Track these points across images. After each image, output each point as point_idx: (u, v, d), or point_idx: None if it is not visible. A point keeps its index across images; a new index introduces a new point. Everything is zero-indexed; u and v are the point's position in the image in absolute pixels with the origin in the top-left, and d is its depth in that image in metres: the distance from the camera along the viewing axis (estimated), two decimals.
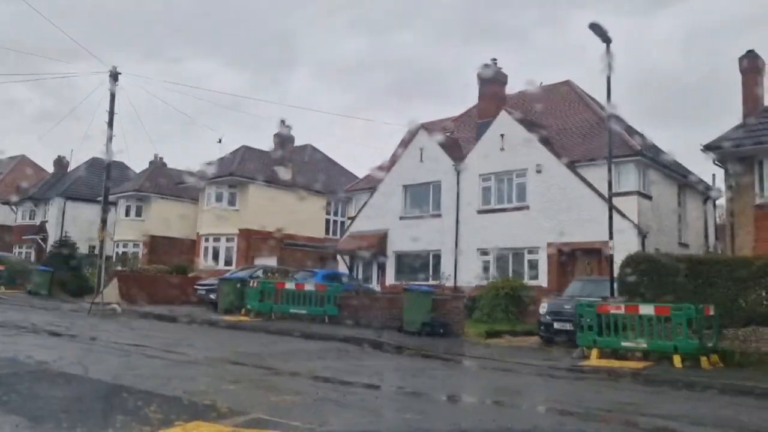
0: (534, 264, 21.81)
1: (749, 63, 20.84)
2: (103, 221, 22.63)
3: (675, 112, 70.49)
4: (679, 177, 23.39)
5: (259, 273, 23.40)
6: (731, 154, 17.24)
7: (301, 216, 32.67)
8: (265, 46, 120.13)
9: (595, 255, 19.67)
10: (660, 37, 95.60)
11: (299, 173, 34.08)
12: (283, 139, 33.33)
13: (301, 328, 14.85)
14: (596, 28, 13.18)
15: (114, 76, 24.63)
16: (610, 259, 13.45)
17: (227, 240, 31.68)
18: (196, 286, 24.07)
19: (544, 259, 21.36)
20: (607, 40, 13.19)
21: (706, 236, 25.10)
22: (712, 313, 11.10)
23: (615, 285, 13.01)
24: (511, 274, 21.90)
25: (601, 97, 18.93)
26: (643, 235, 19.37)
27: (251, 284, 18.33)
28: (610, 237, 13.49)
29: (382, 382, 8.26)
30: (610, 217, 13.72)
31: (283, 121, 33.41)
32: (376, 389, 7.85)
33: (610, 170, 14.38)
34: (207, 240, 32.25)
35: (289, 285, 17.83)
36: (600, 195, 19.48)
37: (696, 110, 72.01)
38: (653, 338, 11.05)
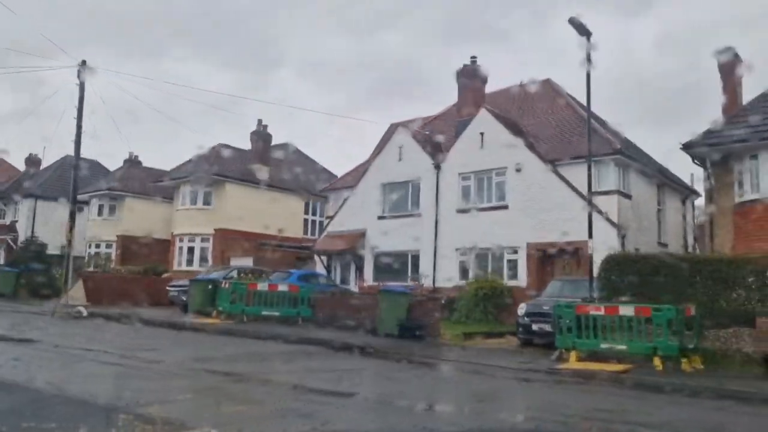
0: (513, 264, 21.50)
1: (728, 61, 20.76)
2: (71, 220, 21.87)
3: (654, 113, 71.11)
4: (659, 176, 23.25)
5: (234, 274, 22.83)
6: (710, 152, 17.07)
7: (279, 216, 32.06)
8: (251, 46, 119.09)
9: (575, 255, 19.40)
10: (639, 38, 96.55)
11: (277, 172, 33.46)
12: (261, 138, 32.71)
13: (272, 331, 14.33)
14: (575, 22, 12.87)
15: (83, 70, 23.90)
16: (590, 259, 13.12)
17: (202, 240, 30.96)
18: (168, 288, 23.43)
19: (524, 259, 21.05)
20: (585, 34, 12.88)
21: (685, 236, 25.02)
22: (693, 313, 10.81)
23: (594, 285, 12.69)
24: (490, 275, 21.57)
25: (581, 96, 18.72)
26: (623, 235, 19.14)
27: (223, 285, 17.74)
28: (590, 236, 13.16)
29: (350, 390, 7.78)
30: (590, 216, 13.39)
31: (260, 120, 32.82)
32: (342, 397, 7.38)
33: (590, 167, 14.07)
34: (182, 240, 31.49)
35: (262, 286, 17.28)
36: (580, 194, 19.21)
37: (675, 111, 72.75)
38: (633, 340, 10.73)
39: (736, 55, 20.93)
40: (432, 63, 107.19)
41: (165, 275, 29.65)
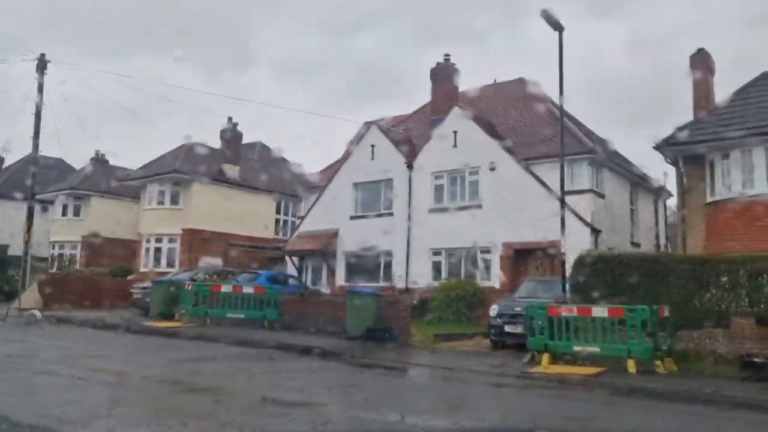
0: (487, 264, 21.20)
1: (700, 62, 20.71)
2: (28, 219, 20.96)
3: (627, 115, 71.81)
4: (632, 176, 23.17)
5: (201, 275, 22.12)
6: (682, 151, 16.96)
7: (251, 215, 31.36)
8: (225, 45, 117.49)
9: (549, 254, 19.15)
10: (611, 41, 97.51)
11: (248, 171, 32.74)
12: (231, 136, 31.94)
13: (235, 335, 13.74)
14: (547, 16, 12.53)
15: (42, 64, 23.00)
16: (562, 259, 12.79)
17: (170, 240, 30.10)
18: (131, 290, 22.63)
19: (498, 259, 20.76)
20: (558, 28, 12.57)
21: (658, 236, 25.00)
22: (666, 314, 10.53)
23: (567, 285, 12.36)
24: (463, 275, 21.24)
25: (555, 95, 18.49)
26: (596, 234, 18.96)
27: (186, 287, 17.05)
28: (562, 234, 12.83)
29: (310, 400, 7.24)
30: (562, 214, 13.06)
31: (230, 118, 32.03)
32: (299, 408, 6.86)
33: (562, 166, 13.75)
34: (149, 241, 30.57)
35: (226, 288, 16.64)
36: (554, 193, 18.96)
37: (648, 113, 73.56)
38: (607, 342, 10.41)
39: (709, 56, 20.92)
40: (408, 63, 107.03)
41: (130, 277, 28.77)
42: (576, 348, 10.65)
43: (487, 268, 21.09)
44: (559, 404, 8.01)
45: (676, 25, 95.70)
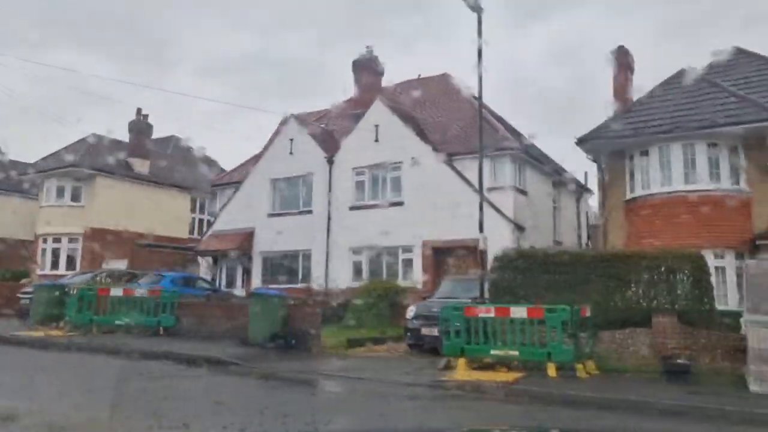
0: (409, 263, 20.36)
1: (620, 59, 20.73)
2: None
3: (552, 119, 73.46)
4: (554, 175, 22.95)
5: (100, 277, 20.15)
6: (602, 147, 16.71)
7: (163, 214, 29.27)
8: (146, 42, 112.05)
9: (472, 253, 18.46)
10: (535, 48, 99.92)
11: (160, 167, 30.56)
12: (140, 129, 29.69)
13: (120, 344, 12.13)
14: None
15: None
16: (481, 256, 12.00)
17: (70, 241, 27.60)
18: (19, 295, 20.37)
19: (419, 257, 19.95)
20: (477, 10, 11.78)
21: (579, 234, 24.97)
22: (588, 314, 9.87)
23: (486, 285, 11.57)
24: (385, 275, 20.30)
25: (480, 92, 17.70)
26: (519, 232, 18.46)
27: (71, 291, 15.17)
28: (480, 230, 12.04)
29: (180, 430, 5.93)
30: (481, 207, 12.28)
31: (139, 109, 29.76)
32: None
33: (481, 157, 12.97)
34: (45, 241, 27.91)
35: (115, 291, 14.91)
36: (476, 190, 18.31)
37: (571, 116, 75.57)
38: (526, 345, 9.63)
39: (628, 53, 20.97)
40: (335, 62, 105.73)
41: (24, 281, 26.11)
42: (494, 352, 9.84)
43: (409, 267, 20.25)
44: (470, 417, 7.10)
45: (599, 31, 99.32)
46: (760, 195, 14.94)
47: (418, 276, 19.95)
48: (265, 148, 26.04)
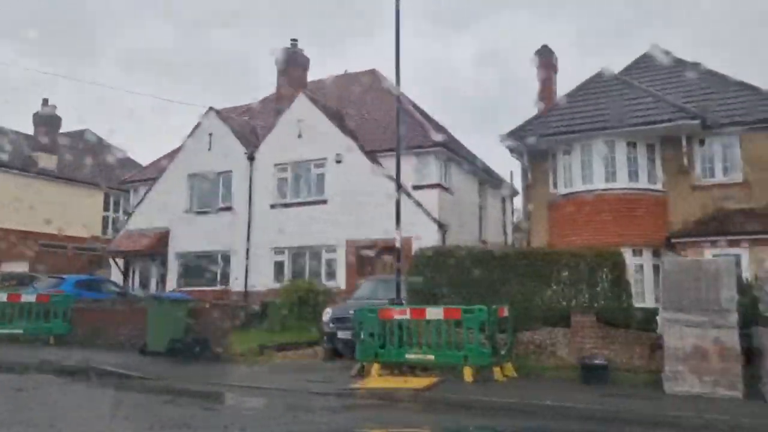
0: (332, 264, 19.65)
1: (544, 59, 20.82)
2: None
3: (478, 121, 74.44)
4: (480, 174, 22.82)
5: None
6: (526, 145, 16.57)
7: (71, 212, 27.19)
8: (66, 34, 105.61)
9: (397, 252, 17.93)
10: (461, 55, 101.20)
11: (70, 161, 28.48)
12: (46, 121, 27.52)
13: None
14: None
15: None
16: (398, 255, 11.43)
17: None
18: None
19: (343, 258, 19.28)
20: None
21: (505, 233, 25.00)
22: (506, 314, 9.47)
23: (402, 285, 11.01)
24: (308, 276, 19.49)
25: (407, 90, 17.37)
26: (443, 230, 18.10)
27: None
28: (397, 225, 11.45)
29: None
30: (398, 204, 11.70)
31: (45, 100, 27.59)
32: None
33: (398, 153, 12.40)
34: None
35: None
36: (402, 188, 17.79)
37: (497, 117, 76.78)
38: (442, 348, 9.11)
39: (552, 53, 21.08)
40: (263, 59, 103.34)
41: None
42: (409, 356, 9.28)
43: (332, 268, 19.55)
44: (374, 429, 6.43)
45: (525, 37, 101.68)
46: (675, 194, 15.18)
47: (341, 277, 19.29)
48: (184, 142, 24.63)
